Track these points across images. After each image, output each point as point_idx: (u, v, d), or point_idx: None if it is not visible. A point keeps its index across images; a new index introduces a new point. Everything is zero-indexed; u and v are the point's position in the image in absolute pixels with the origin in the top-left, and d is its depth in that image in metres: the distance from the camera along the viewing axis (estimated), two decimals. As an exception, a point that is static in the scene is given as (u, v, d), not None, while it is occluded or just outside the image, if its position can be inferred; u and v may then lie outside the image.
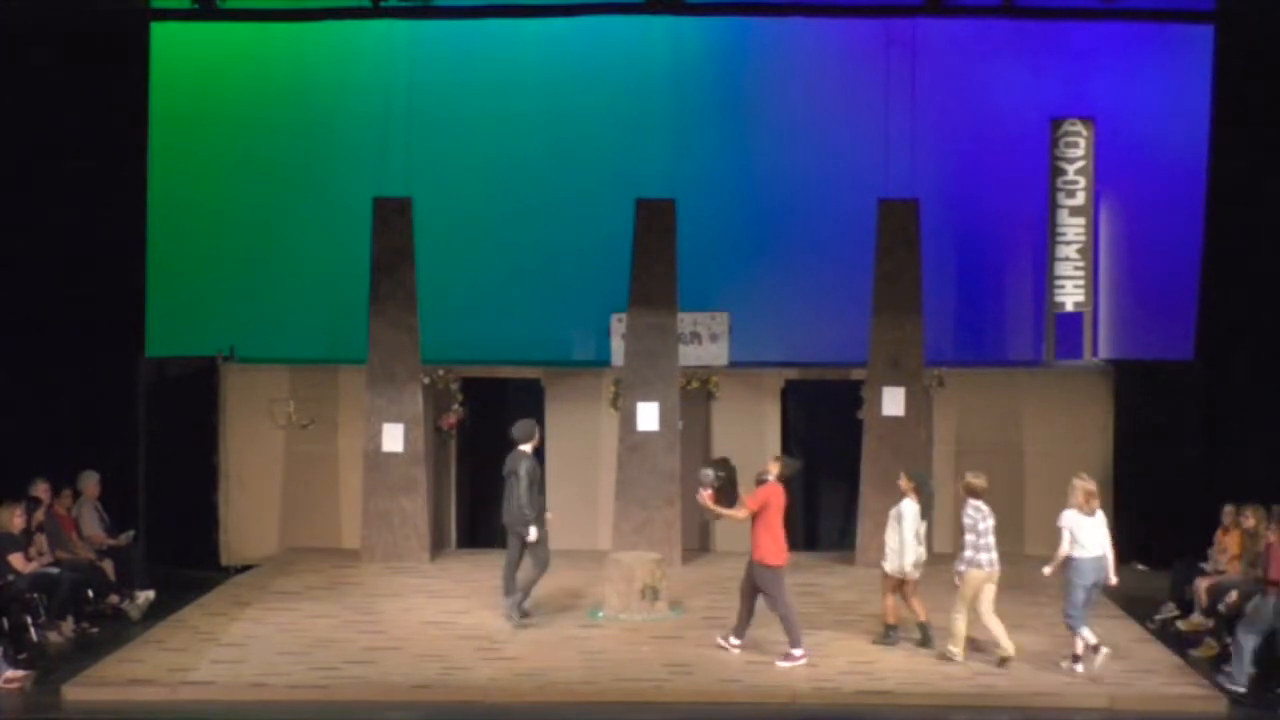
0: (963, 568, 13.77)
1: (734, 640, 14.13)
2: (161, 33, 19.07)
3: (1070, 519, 13.74)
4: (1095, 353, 19.83)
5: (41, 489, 15.83)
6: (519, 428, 15.13)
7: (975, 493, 13.91)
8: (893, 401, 17.68)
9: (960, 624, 13.81)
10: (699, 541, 18.53)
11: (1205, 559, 15.69)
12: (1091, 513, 13.69)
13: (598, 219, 19.38)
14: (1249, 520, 14.97)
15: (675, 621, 15.09)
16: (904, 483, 14.32)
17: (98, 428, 18.06)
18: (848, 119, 20.15)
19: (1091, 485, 13.80)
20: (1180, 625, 15.35)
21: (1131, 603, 15.64)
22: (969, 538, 13.78)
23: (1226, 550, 15.36)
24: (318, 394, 18.72)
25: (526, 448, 15.02)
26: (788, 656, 13.77)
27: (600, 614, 15.18)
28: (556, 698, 12.97)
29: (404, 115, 20.24)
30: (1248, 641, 13.46)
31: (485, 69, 20.18)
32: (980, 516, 13.80)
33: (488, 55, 20.13)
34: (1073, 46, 19.93)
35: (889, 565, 14.21)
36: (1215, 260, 18.58)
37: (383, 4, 18.56)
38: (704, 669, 13.54)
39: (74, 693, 13.07)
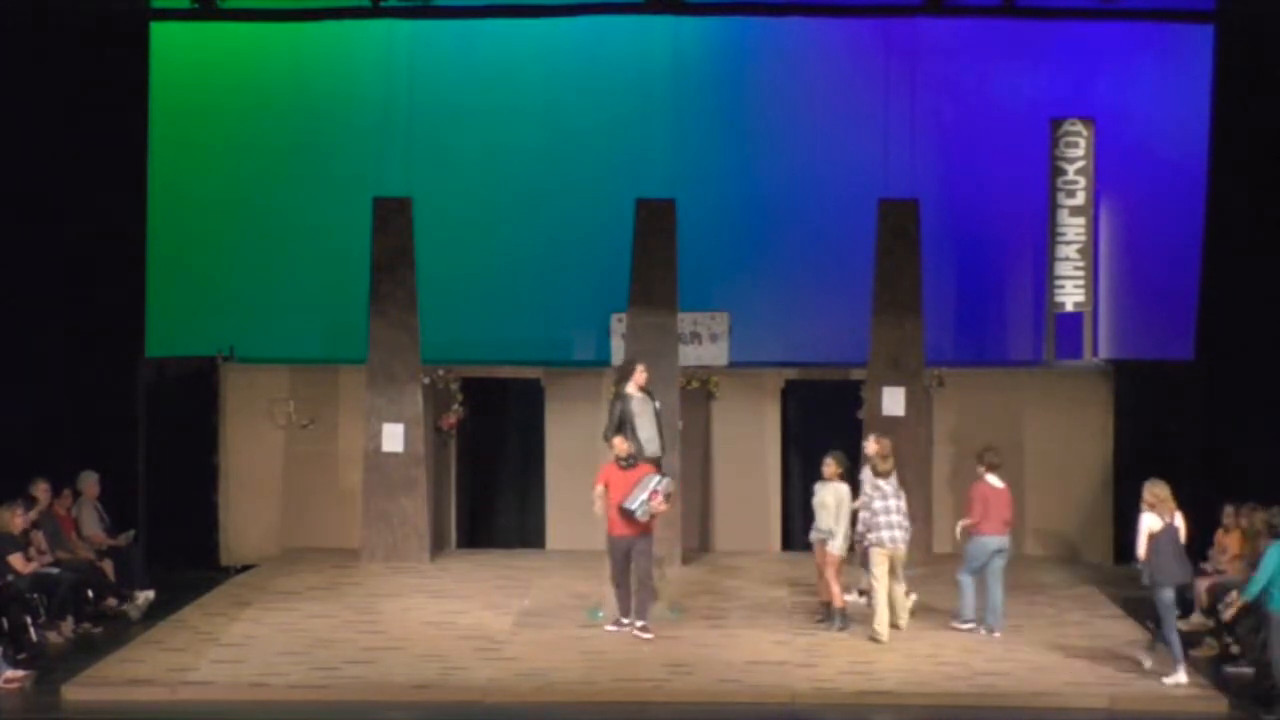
0: (863, 545, 14.18)
1: (625, 621, 14.61)
2: (161, 33, 19.04)
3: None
4: (1095, 353, 19.82)
5: (41, 489, 15.81)
6: (620, 368, 15.71)
7: (879, 473, 14.26)
8: (893, 401, 17.69)
9: (880, 601, 14.18)
10: (699, 541, 18.51)
11: (1205, 559, 15.66)
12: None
13: (598, 219, 19.39)
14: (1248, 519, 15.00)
15: (675, 621, 15.07)
16: (831, 468, 14.55)
17: (98, 428, 18.03)
18: (847, 119, 20.16)
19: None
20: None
21: (1131, 603, 15.62)
22: (863, 515, 14.19)
23: (1226, 550, 15.34)
24: (318, 394, 18.71)
25: (629, 387, 15.41)
26: (617, 623, 14.53)
27: (600, 614, 15.16)
28: (556, 698, 12.96)
29: (404, 115, 20.25)
30: (965, 581, 14.33)
31: (485, 69, 20.18)
32: (878, 495, 14.14)
33: (488, 55, 20.14)
34: (1073, 46, 19.92)
35: (831, 547, 14.45)
36: (1215, 260, 18.55)
37: (383, 4, 18.53)
38: (704, 669, 13.53)
39: (74, 693, 13.06)
